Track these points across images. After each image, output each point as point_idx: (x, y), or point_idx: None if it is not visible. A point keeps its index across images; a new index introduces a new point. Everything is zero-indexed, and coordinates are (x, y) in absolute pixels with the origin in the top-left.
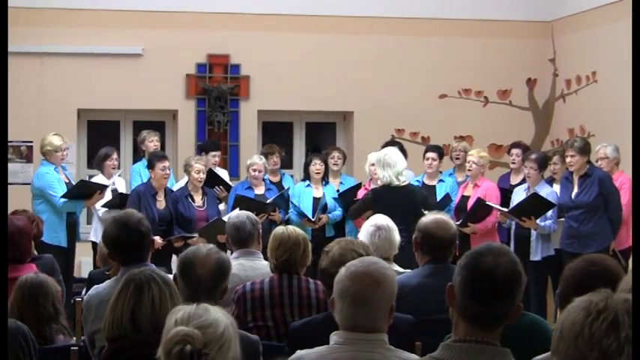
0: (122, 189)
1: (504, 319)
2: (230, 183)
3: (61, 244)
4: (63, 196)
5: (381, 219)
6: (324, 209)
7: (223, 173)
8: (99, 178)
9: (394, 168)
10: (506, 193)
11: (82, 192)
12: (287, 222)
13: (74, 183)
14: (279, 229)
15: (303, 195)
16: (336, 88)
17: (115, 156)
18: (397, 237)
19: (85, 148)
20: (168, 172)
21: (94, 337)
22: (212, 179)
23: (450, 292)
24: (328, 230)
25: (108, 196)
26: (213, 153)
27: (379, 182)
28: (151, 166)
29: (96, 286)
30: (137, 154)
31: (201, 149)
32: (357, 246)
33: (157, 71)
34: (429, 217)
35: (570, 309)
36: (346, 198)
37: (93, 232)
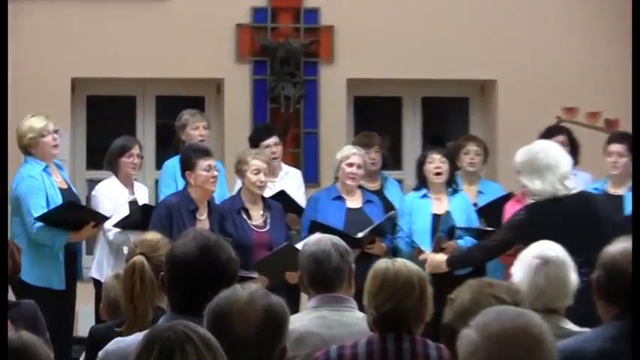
0: (144, 198)
1: None
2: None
3: (53, 287)
4: (40, 218)
5: (548, 248)
6: (451, 234)
7: (296, 174)
8: (111, 182)
9: (557, 170)
10: None
11: (69, 219)
12: (394, 253)
13: (73, 188)
14: (382, 264)
15: (418, 211)
16: (469, 48)
17: (135, 150)
18: (573, 277)
19: (84, 138)
20: (215, 173)
21: None
22: (282, 204)
23: None
24: None
25: (125, 210)
26: (266, 142)
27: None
28: (187, 167)
29: (117, 339)
30: (162, 146)
31: (251, 141)
32: (498, 290)
33: (191, 21)
34: (617, 247)
35: None
36: (489, 215)
37: (96, 266)
